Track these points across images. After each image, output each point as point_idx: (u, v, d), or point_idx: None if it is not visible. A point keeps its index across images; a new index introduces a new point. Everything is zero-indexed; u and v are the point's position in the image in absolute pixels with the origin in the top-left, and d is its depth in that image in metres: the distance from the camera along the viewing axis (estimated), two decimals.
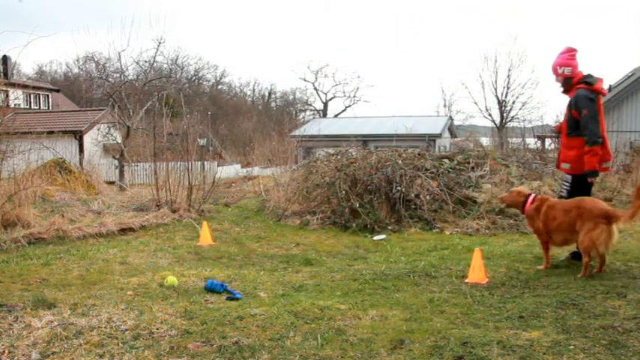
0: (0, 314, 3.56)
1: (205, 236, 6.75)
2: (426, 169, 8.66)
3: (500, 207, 7.72)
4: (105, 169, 18.58)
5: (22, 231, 6.52)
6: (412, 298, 4.07)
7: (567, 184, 5.19)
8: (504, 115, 42.15)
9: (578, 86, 5.02)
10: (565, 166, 5.23)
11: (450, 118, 34.44)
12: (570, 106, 5.05)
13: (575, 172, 5.12)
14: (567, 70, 5.05)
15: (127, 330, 3.31)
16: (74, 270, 5.08)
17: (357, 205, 7.78)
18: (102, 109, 25.52)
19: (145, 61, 20.69)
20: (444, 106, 47.76)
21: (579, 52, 5.19)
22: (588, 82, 5.01)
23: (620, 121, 15.78)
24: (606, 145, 5.08)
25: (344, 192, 8.00)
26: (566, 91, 5.17)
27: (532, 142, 19.32)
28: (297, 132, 21.17)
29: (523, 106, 41.64)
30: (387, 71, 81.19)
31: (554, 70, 5.15)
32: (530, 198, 5.08)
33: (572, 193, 5.11)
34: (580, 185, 5.13)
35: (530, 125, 35.40)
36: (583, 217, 4.61)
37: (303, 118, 52.31)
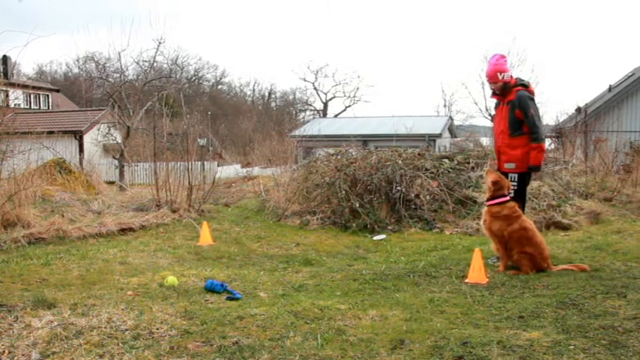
0: (0, 314, 3.56)
1: (205, 236, 6.75)
2: (426, 169, 8.66)
3: None
4: (105, 169, 18.59)
5: (22, 231, 6.51)
6: (412, 298, 4.07)
7: (515, 183, 5.30)
8: None
9: (517, 89, 5.26)
10: (510, 165, 5.36)
11: (450, 118, 34.41)
12: (514, 107, 5.24)
13: (520, 170, 5.29)
14: (506, 76, 5.30)
15: (127, 330, 3.31)
16: (74, 270, 5.08)
17: (357, 205, 7.78)
18: (102, 109, 25.54)
19: (145, 61, 20.70)
20: (444, 106, 47.78)
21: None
22: (524, 84, 5.31)
23: (620, 121, 15.79)
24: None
25: (344, 192, 8.00)
26: (502, 95, 5.38)
27: None
28: (297, 132, 21.16)
29: None
30: (387, 71, 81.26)
31: (494, 77, 5.34)
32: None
33: (518, 191, 5.29)
34: (522, 182, 5.33)
35: None
36: None
37: (303, 118, 52.36)
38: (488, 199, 5.06)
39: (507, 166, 5.39)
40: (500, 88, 5.34)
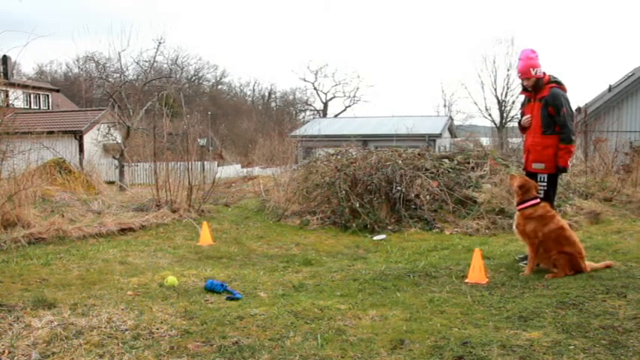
0: (0, 314, 3.56)
1: (205, 236, 6.75)
2: (426, 169, 8.66)
3: (500, 207, 7.73)
4: (105, 169, 18.59)
5: (22, 231, 6.51)
6: (412, 298, 4.07)
7: (544, 184, 5.14)
8: (504, 115, 42.17)
9: (551, 85, 5.08)
10: (539, 166, 5.19)
11: (450, 118, 34.43)
12: (547, 104, 5.07)
13: (549, 171, 5.13)
14: (539, 71, 5.11)
15: (127, 330, 3.31)
16: (74, 270, 5.07)
17: (357, 205, 7.78)
18: (102, 109, 25.53)
19: (145, 61, 20.69)
20: (444, 106, 47.80)
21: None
22: (558, 81, 5.12)
23: (620, 121, 15.77)
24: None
25: (344, 192, 8.00)
26: (535, 91, 5.19)
27: None
28: (297, 132, 21.18)
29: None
30: (387, 71, 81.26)
31: (527, 72, 5.13)
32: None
33: (548, 193, 5.12)
34: (551, 184, 5.16)
35: None
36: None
37: (303, 118, 52.37)
38: (518, 204, 4.91)
39: (536, 166, 5.19)
40: (532, 84, 5.15)
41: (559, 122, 5.02)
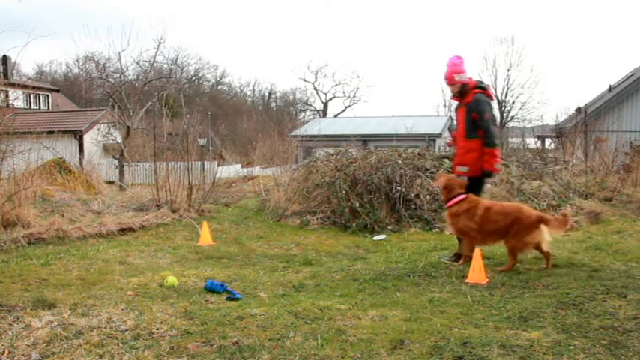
0: (0, 314, 3.56)
1: (205, 236, 6.75)
2: (426, 169, 8.66)
3: None
4: (105, 169, 18.57)
5: (22, 231, 6.51)
6: (412, 298, 4.07)
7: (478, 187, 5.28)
8: (504, 115, 42.20)
9: (475, 91, 5.24)
10: (462, 169, 5.32)
11: (450, 118, 34.35)
12: (470, 110, 5.23)
13: (473, 174, 5.23)
14: (464, 77, 5.28)
15: (127, 330, 3.31)
16: (74, 270, 5.07)
17: (357, 205, 7.78)
18: (102, 109, 25.53)
19: (145, 61, 20.66)
20: (444, 106, 47.76)
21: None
22: (483, 87, 5.29)
23: (620, 121, 15.79)
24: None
25: (344, 192, 8.00)
26: (461, 97, 5.35)
27: (532, 142, 19.36)
28: (297, 132, 21.17)
29: (523, 106, 41.76)
30: (387, 71, 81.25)
31: (451, 79, 5.33)
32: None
33: (476, 194, 5.22)
34: (476, 187, 5.25)
35: (530, 125, 35.50)
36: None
37: (303, 118, 52.38)
38: (445, 202, 5.13)
39: (460, 169, 5.36)
40: (457, 89, 5.33)
41: (482, 127, 5.16)
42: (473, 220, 4.90)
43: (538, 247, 4.84)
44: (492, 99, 5.34)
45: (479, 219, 4.88)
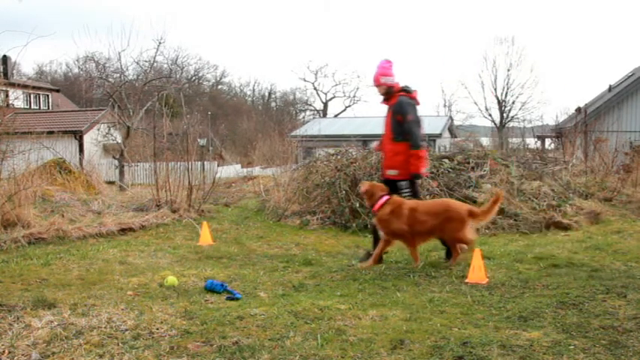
0: (0, 314, 3.56)
1: (205, 236, 6.74)
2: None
3: (500, 207, 7.72)
4: (105, 169, 18.57)
5: (22, 231, 6.51)
6: (412, 298, 4.07)
7: (407, 191, 5.31)
8: (504, 115, 42.23)
9: (400, 94, 5.34)
10: (392, 172, 5.39)
11: (450, 118, 34.45)
12: (395, 113, 5.33)
13: (403, 177, 5.29)
14: (389, 80, 5.36)
15: (127, 330, 3.31)
16: (74, 270, 5.07)
17: (357, 205, 7.77)
18: (102, 109, 25.53)
19: (145, 61, 20.65)
20: (444, 106, 47.88)
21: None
22: (408, 90, 5.38)
23: (620, 121, 15.78)
24: (424, 150, 5.38)
25: (344, 192, 8.00)
26: (387, 100, 5.45)
27: (532, 142, 19.36)
28: (297, 132, 21.17)
29: (523, 105, 41.78)
30: None
31: (377, 81, 5.41)
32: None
33: (411, 195, 5.32)
34: (413, 188, 5.32)
35: (530, 125, 35.51)
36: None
37: (303, 118, 52.38)
38: (371, 207, 5.21)
39: (389, 172, 5.41)
40: (383, 92, 5.42)
41: (406, 129, 5.23)
42: (401, 220, 4.97)
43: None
44: (418, 103, 5.40)
45: (405, 219, 4.96)
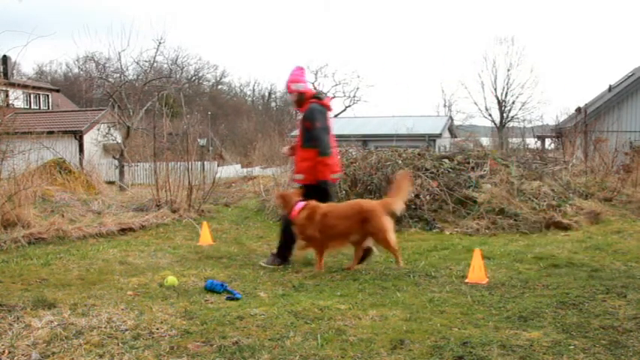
0: (0, 314, 3.56)
1: (205, 236, 6.74)
2: (426, 169, 8.66)
3: (500, 207, 7.73)
4: (105, 169, 18.57)
5: (22, 231, 6.51)
6: (412, 298, 4.07)
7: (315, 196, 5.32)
8: (504, 115, 42.21)
9: (311, 101, 5.35)
10: (298, 177, 5.46)
11: (450, 118, 34.43)
12: (304, 119, 5.34)
13: (309, 182, 5.32)
14: (300, 87, 5.39)
15: (127, 330, 3.31)
16: (74, 270, 5.08)
17: None
18: (102, 109, 25.54)
19: (145, 61, 20.66)
20: (444, 106, 47.82)
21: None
22: (319, 97, 5.42)
23: (620, 121, 15.79)
24: (336, 156, 5.46)
25: (344, 192, 8.00)
26: (299, 106, 5.47)
27: (532, 142, 19.37)
28: (297, 132, 21.15)
29: (523, 106, 41.77)
30: (387, 71, 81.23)
31: (288, 88, 5.47)
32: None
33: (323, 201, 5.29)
34: (316, 194, 5.28)
35: (530, 125, 35.52)
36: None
37: None
38: (289, 214, 5.23)
39: (297, 177, 5.48)
40: (295, 99, 5.45)
41: (314, 136, 5.21)
42: (314, 226, 5.00)
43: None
44: (330, 109, 5.44)
45: (317, 225, 4.99)
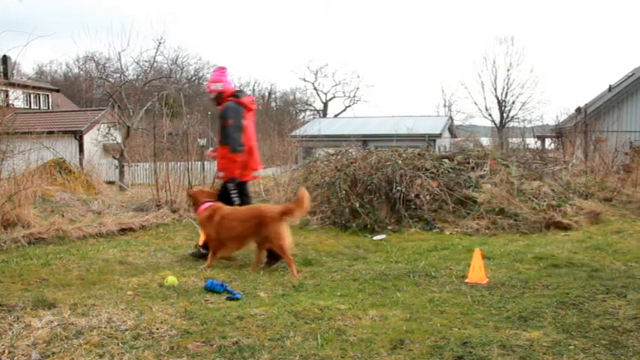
0: (0, 314, 3.56)
1: None
2: (426, 169, 8.66)
3: (500, 207, 7.73)
4: (105, 169, 18.58)
5: (22, 231, 6.51)
6: (412, 298, 4.07)
7: (233, 192, 5.48)
8: (504, 115, 42.22)
9: (229, 99, 5.53)
10: (220, 174, 5.62)
11: (450, 118, 34.44)
12: (220, 117, 5.51)
13: (227, 179, 5.50)
14: (219, 86, 5.60)
15: (127, 330, 3.31)
16: (74, 270, 5.07)
17: (357, 205, 7.77)
18: (102, 109, 25.54)
19: (145, 61, 20.67)
20: (444, 106, 47.84)
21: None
22: (237, 95, 5.58)
23: (620, 121, 15.80)
24: (254, 154, 5.61)
25: (344, 192, 8.00)
26: (218, 104, 5.68)
27: (532, 142, 19.37)
28: (297, 132, 21.18)
29: (523, 105, 41.79)
30: (387, 71, 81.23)
31: (208, 87, 5.71)
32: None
33: (238, 200, 5.50)
34: (238, 191, 5.50)
35: (530, 125, 35.53)
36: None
37: (303, 118, 52.39)
38: (196, 212, 5.45)
39: (220, 174, 5.62)
40: (214, 97, 5.61)
41: (226, 133, 5.38)
42: (212, 226, 5.15)
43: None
44: (248, 107, 5.57)
45: (216, 225, 5.13)
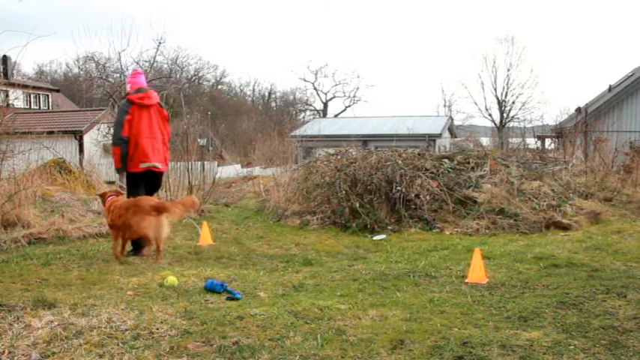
0: (0, 314, 3.56)
1: (205, 236, 6.74)
2: (426, 169, 8.66)
3: (500, 207, 7.73)
4: (105, 169, 18.53)
5: (22, 231, 6.51)
6: (412, 298, 4.07)
7: (127, 182, 6.08)
8: (504, 115, 42.22)
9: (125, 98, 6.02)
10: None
11: (450, 118, 34.43)
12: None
13: (127, 170, 5.95)
14: (127, 87, 6.07)
15: (127, 330, 3.30)
16: (74, 270, 5.07)
17: (357, 205, 7.78)
18: (102, 109, 25.52)
19: (145, 61, 20.67)
20: (444, 106, 47.81)
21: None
22: (127, 93, 5.99)
23: (620, 121, 15.80)
24: (141, 147, 5.80)
25: (344, 192, 8.00)
26: None
27: (532, 142, 19.36)
28: (297, 132, 21.18)
29: (523, 105, 41.78)
30: (387, 71, 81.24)
31: (126, 89, 6.23)
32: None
33: (129, 191, 5.98)
34: (128, 183, 6.03)
35: (530, 125, 35.50)
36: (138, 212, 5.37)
37: (303, 118, 52.36)
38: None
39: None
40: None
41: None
42: (108, 216, 5.57)
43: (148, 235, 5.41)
44: (136, 103, 5.80)
45: (109, 215, 5.54)
